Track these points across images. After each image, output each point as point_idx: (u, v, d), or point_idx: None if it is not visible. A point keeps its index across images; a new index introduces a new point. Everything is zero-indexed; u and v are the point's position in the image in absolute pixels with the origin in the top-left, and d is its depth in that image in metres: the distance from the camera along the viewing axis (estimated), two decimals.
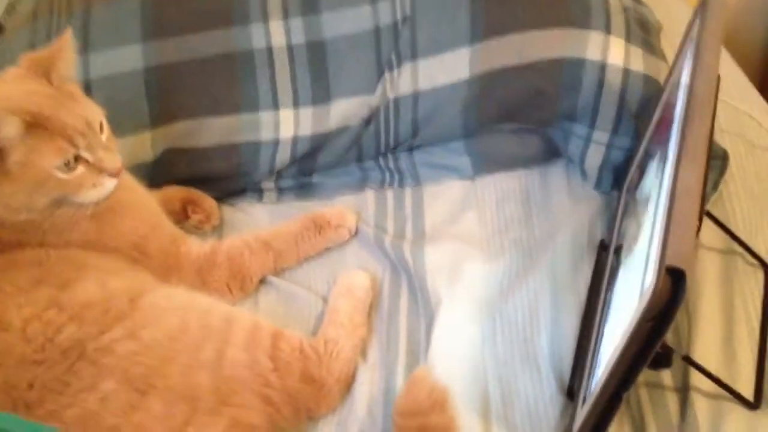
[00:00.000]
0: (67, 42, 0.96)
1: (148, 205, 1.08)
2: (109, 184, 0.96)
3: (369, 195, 1.20)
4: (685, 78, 0.81)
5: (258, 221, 1.20)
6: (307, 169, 1.24)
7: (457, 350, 0.94)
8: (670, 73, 0.98)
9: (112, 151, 0.96)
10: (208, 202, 1.20)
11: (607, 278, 0.94)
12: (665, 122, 0.86)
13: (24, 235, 0.94)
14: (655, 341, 0.63)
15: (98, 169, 0.93)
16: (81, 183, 0.92)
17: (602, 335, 0.85)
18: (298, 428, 0.91)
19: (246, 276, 1.08)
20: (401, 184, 1.21)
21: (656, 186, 0.79)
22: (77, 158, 0.91)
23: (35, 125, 0.87)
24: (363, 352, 0.97)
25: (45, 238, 0.94)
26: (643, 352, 0.65)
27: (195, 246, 1.08)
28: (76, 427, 0.79)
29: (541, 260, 1.03)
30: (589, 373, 0.84)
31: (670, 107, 0.87)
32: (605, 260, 0.99)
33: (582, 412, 0.80)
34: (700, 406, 0.85)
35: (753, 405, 0.85)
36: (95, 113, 0.95)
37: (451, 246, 1.07)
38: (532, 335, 0.95)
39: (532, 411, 0.88)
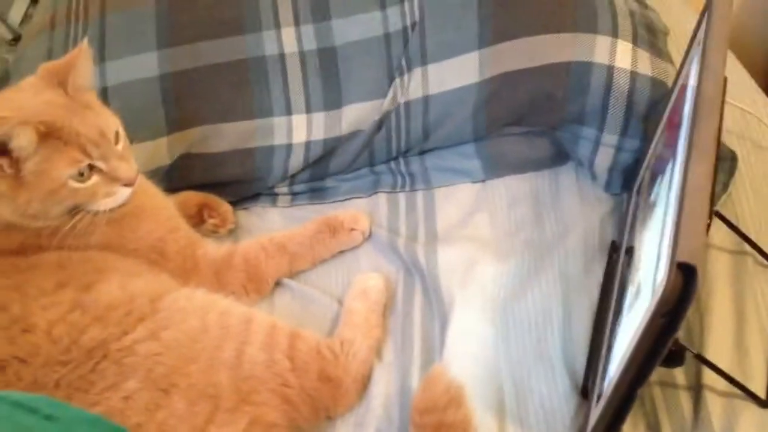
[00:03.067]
0: (83, 52, 0.97)
1: (165, 209, 1.10)
2: (123, 192, 0.97)
3: (381, 198, 1.22)
4: (692, 80, 0.82)
5: (272, 225, 1.22)
6: (319, 174, 1.26)
7: (472, 350, 0.95)
8: (678, 77, 0.99)
9: (128, 161, 0.98)
10: (224, 206, 1.22)
11: (618, 278, 0.95)
12: (674, 126, 0.88)
13: (44, 239, 0.96)
14: (668, 337, 0.64)
15: (112, 179, 0.95)
16: (94, 192, 0.94)
17: (615, 334, 0.87)
18: (316, 427, 0.92)
19: (262, 278, 1.09)
20: (413, 188, 1.22)
21: (666, 187, 0.80)
22: (92, 167, 0.93)
23: (49, 135, 0.89)
24: (378, 353, 0.99)
25: (64, 241, 0.96)
26: (656, 349, 0.66)
27: (211, 249, 1.10)
28: None
29: (553, 261, 1.05)
30: (603, 372, 0.86)
31: (678, 110, 0.88)
32: (616, 261, 1.00)
33: (596, 410, 0.81)
34: (713, 404, 0.86)
35: (765, 403, 0.86)
36: (110, 122, 0.97)
37: (464, 248, 1.08)
38: (545, 335, 0.97)
39: (547, 409, 0.89)
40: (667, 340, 0.65)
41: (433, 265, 1.06)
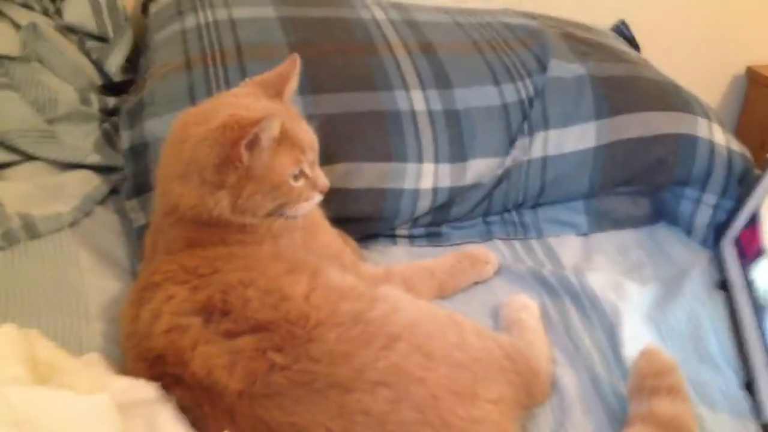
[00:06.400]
0: (295, 66, 1.09)
1: (332, 228, 1.17)
2: (317, 199, 1.06)
3: (497, 243, 1.36)
4: None
5: (396, 260, 1.30)
6: (439, 219, 1.38)
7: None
8: None
9: (321, 171, 1.07)
10: (352, 242, 1.30)
11: (749, 299, 1.14)
12: None
13: (244, 236, 1.01)
14: None
15: (313, 185, 1.04)
16: (300, 194, 1.02)
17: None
18: (529, 414, 0.98)
19: (419, 296, 1.17)
20: (526, 236, 1.37)
21: None
22: (301, 172, 1.02)
23: (281, 134, 0.98)
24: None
25: (261, 240, 1.02)
26: None
27: (369, 266, 1.18)
28: (390, 376, 0.85)
29: (682, 287, 1.21)
30: None
31: None
32: (732, 292, 1.20)
33: None
34: None
35: None
36: (314, 134, 1.07)
37: (603, 274, 1.24)
38: (700, 341, 1.11)
39: (729, 397, 1.02)
40: None
41: (587, 284, 1.20)
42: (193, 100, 1.30)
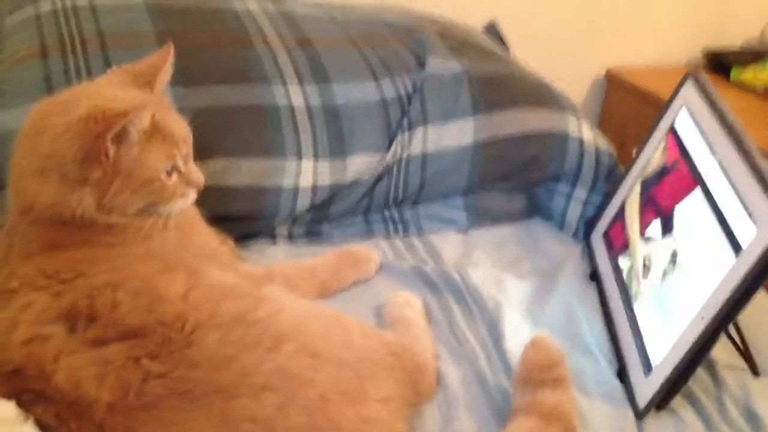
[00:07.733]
0: (169, 55, 1.02)
1: (208, 226, 1.12)
2: (192, 196, 1.01)
3: (379, 241, 1.34)
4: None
5: (276, 260, 1.26)
6: (319, 218, 1.35)
7: (523, 342, 1.08)
8: (637, 157, 1.29)
9: (196, 166, 1.02)
10: (229, 241, 1.24)
11: (618, 289, 1.19)
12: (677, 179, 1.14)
13: (110, 237, 0.94)
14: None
15: (187, 181, 0.99)
16: (173, 191, 0.96)
17: (637, 323, 1.10)
18: (416, 412, 0.97)
19: (302, 296, 1.13)
20: (406, 234, 1.37)
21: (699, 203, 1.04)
22: (174, 167, 0.96)
23: (152, 126, 0.92)
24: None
25: (130, 241, 0.95)
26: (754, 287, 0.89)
27: (248, 266, 1.14)
28: (277, 379, 0.81)
29: (556, 281, 1.25)
30: (642, 350, 1.06)
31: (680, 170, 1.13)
32: (603, 283, 1.25)
33: (653, 378, 1.00)
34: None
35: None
36: (187, 127, 1.02)
37: (484, 269, 1.25)
38: (576, 331, 1.15)
39: (603, 384, 1.05)
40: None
41: (468, 279, 1.20)
42: (49, 90, 1.20)
